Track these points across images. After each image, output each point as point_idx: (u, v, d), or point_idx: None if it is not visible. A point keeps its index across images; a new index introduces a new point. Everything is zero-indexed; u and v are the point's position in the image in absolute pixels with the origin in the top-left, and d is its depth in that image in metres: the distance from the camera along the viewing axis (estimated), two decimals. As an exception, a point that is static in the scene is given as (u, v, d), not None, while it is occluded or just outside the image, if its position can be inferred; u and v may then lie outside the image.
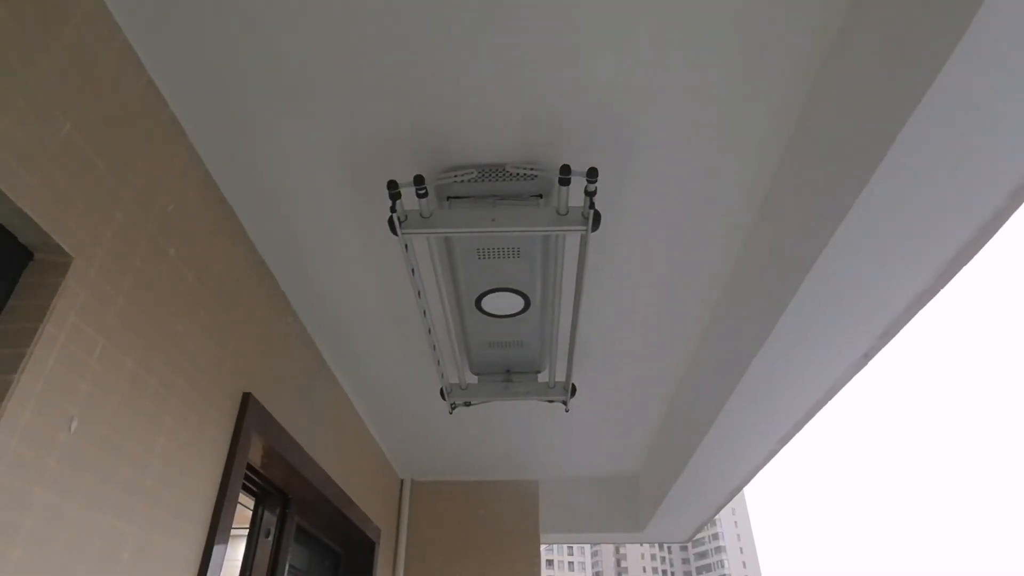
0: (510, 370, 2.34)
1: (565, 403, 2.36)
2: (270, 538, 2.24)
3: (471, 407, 2.52)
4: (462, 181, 1.55)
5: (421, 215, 1.51)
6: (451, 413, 2.41)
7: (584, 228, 1.49)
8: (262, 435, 1.81)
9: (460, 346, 2.19)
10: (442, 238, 1.75)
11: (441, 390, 2.28)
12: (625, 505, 3.67)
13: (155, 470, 1.33)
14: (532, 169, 1.50)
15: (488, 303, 1.95)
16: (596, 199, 1.65)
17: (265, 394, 1.85)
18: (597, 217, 1.50)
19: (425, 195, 1.44)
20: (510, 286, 1.87)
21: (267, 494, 2.28)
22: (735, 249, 1.86)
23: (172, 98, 1.38)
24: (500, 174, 1.55)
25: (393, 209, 1.44)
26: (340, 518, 2.62)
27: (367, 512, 2.89)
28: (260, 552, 2.20)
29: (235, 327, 1.70)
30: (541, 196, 1.57)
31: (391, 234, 1.66)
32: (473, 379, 2.39)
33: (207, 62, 1.31)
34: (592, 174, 1.39)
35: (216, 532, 1.53)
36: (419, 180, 1.42)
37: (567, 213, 1.50)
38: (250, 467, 2.06)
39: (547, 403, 2.81)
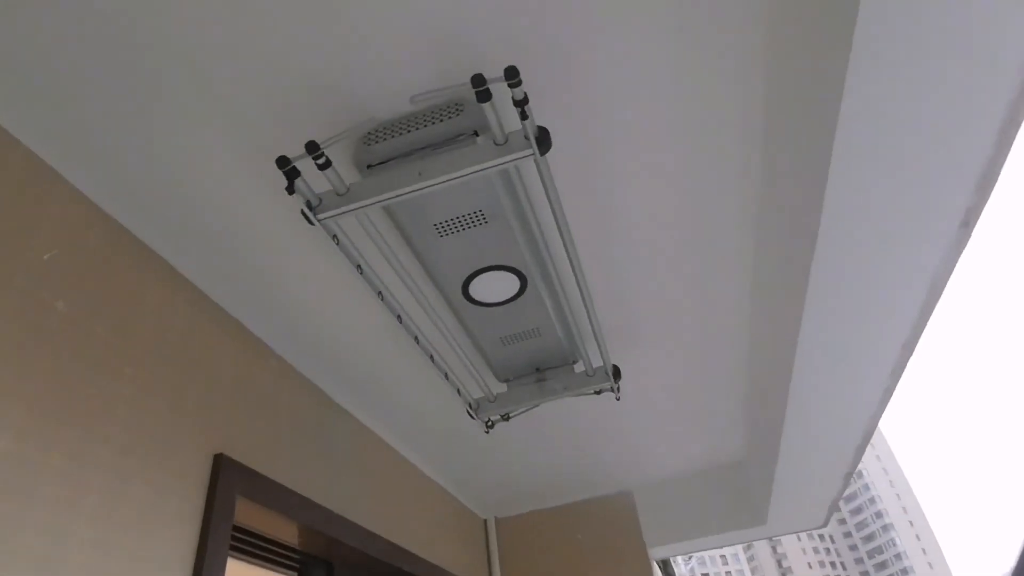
0: (539, 367, 2.00)
1: (614, 390, 1.99)
2: (320, 614, 1.97)
3: (511, 420, 2.19)
4: (379, 140, 1.27)
5: (337, 193, 1.23)
6: (488, 431, 2.08)
7: (529, 151, 1.16)
8: (254, 499, 1.56)
9: (468, 351, 1.88)
10: (389, 223, 1.47)
11: (468, 408, 1.97)
12: (737, 498, 3.18)
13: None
14: (440, 92, 1.19)
15: (478, 291, 1.64)
16: (564, 118, 1.33)
17: (249, 452, 1.60)
18: (544, 135, 1.17)
19: (326, 165, 1.17)
20: (491, 263, 1.56)
21: (306, 565, 2.02)
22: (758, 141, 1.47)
23: (18, 130, 1.18)
24: (416, 121, 1.26)
25: (290, 190, 1.17)
26: (401, 575, 2.33)
27: (441, 562, 2.58)
28: (310, 632, 1.94)
29: (188, 381, 1.47)
30: (477, 133, 1.26)
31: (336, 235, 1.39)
32: (502, 387, 2.06)
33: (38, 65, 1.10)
34: (511, 75, 1.06)
35: None
36: (312, 147, 1.15)
37: (505, 141, 1.18)
38: (263, 537, 1.81)
39: (606, 398, 2.43)
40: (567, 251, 1.45)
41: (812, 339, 1.76)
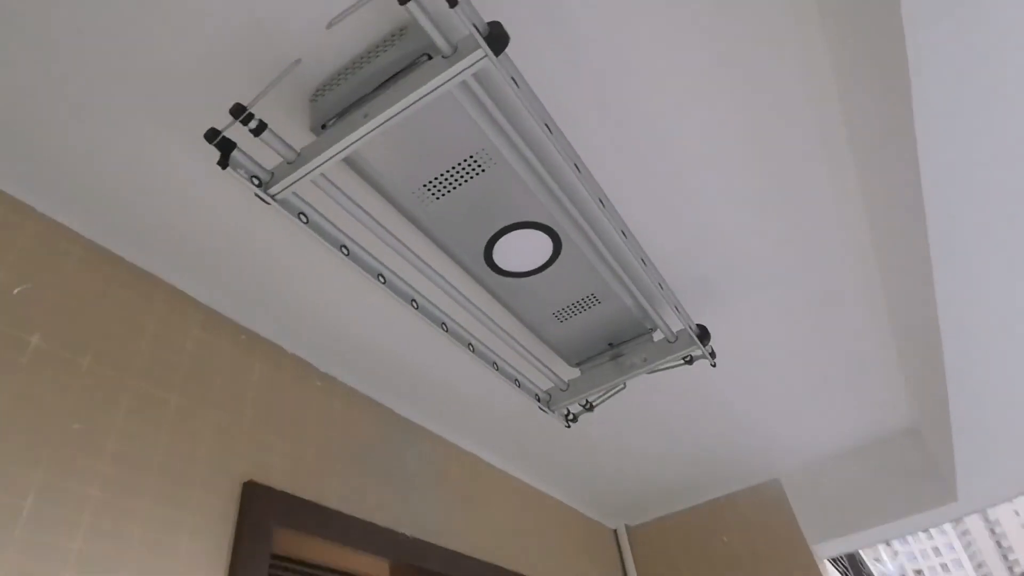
0: (612, 342, 1.70)
1: (706, 355, 1.64)
2: (417, 650, 1.78)
3: (601, 410, 1.89)
4: (326, 93, 1.08)
5: (287, 162, 1.05)
6: (569, 425, 1.80)
7: (481, 54, 0.91)
8: (299, 527, 1.40)
9: (519, 334, 1.63)
10: (378, 198, 1.27)
11: (537, 401, 1.71)
12: (914, 473, 2.60)
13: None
14: (355, 7, 0.96)
15: (505, 259, 1.40)
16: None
17: (288, 478, 1.46)
18: (498, 31, 0.92)
19: (260, 129, 0.99)
20: (508, 222, 1.31)
21: (400, 596, 1.85)
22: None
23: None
24: (360, 62, 1.06)
25: (223, 163, 1.00)
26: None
27: (561, 582, 2.32)
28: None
29: (202, 405, 1.35)
30: (430, 57, 1.03)
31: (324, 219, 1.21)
32: (574, 372, 1.78)
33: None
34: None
35: None
36: (238, 110, 0.98)
37: (455, 50, 0.94)
38: (327, 568, 1.65)
39: (715, 371, 2.07)
40: (584, 186, 1.17)
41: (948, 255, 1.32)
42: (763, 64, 1.19)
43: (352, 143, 1.00)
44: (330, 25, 0.94)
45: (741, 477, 2.81)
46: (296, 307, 1.55)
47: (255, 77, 1.09)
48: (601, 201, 1.20)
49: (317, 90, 1.11)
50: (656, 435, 2.39)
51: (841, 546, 2.71)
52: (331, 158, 1.02)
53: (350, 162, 1.18)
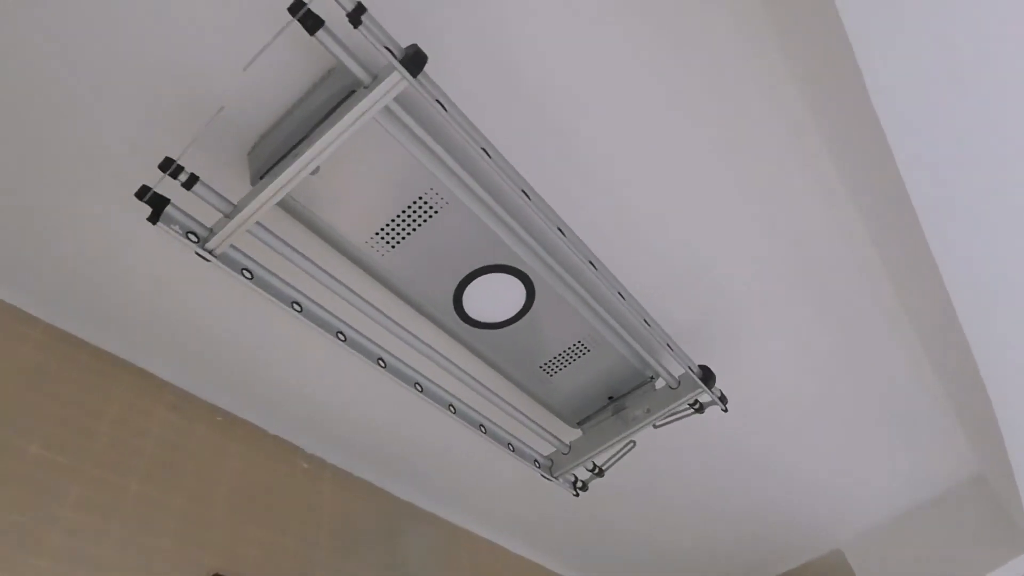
0: (612, 395, 1.57)
1: (717, 400, 1.50)
2: None
3: (605, 476, 1.71)
4: (262, 143, 1.06)
5: (225, 216, 1.02)
6: (577, 494, 1.64)
7: (398, 77, 0.88)
8: (275, 628, 1.26)
9: (506, 392, 1.51)
10: (340, 258, 1.21)
11: (536, 467, 1.57)
12: (987, 522, 2.28)
13: None
14: (268, 46, 0.93)
15: (477, 310, 1.32)
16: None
17: (269, 571, 1.33)
18: (414, 51, 0.89)
19: (191, 182, 0.97)
20: (475, 266, 1.24)
21: None
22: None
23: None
24: (293, 108, 1.04)
25: (154, 219, 0.97)
26: None
27: None
28: None
29: (167, 492, 1.26)
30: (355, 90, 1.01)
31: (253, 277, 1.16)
32: (577, 433, 1.64)
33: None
34: (320, -25, 0.82)
35: None
36: (167, 164, 0.96)
37: (374, 77, 0.91)
38: None
39: (741, 426, 1.89)
40: (539, 217, 1.10)
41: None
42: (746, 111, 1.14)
43: (283, 185, 0.97)
44: (246, 67, 0.93)
45: (797, 551, 2.52)
46: (278, 385, 1.48)
47: (189, 134, 1.08)
48: (560, 230, 1.13)
49: (255, 143, 1.10)
50: (694, 509, 2.17)
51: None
52: (264, 203, 0.98)
53: (299, 215, 1.15)
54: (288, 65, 1.02)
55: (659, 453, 1.92)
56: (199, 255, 1.02)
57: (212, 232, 1.02)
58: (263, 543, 1.36)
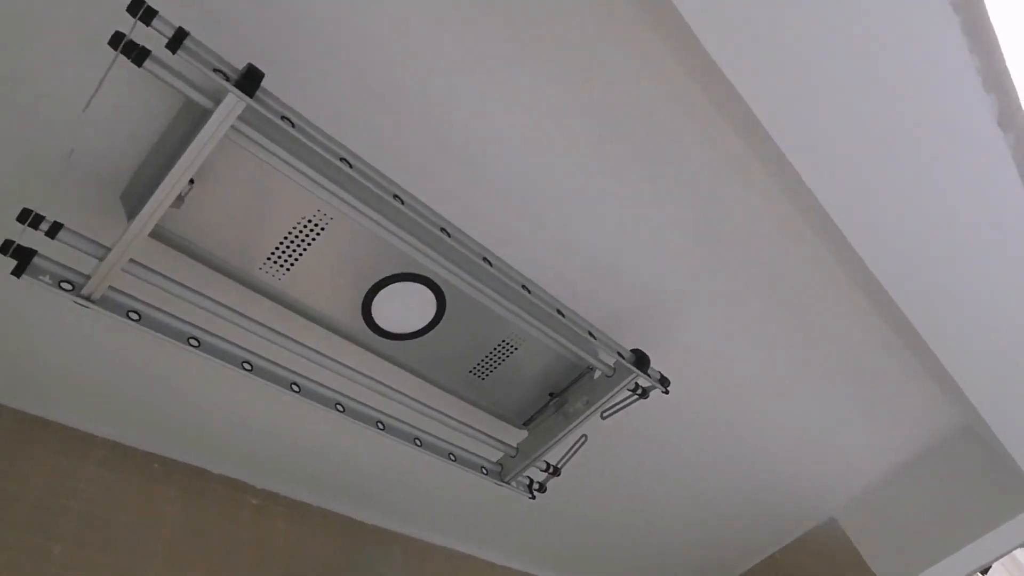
0: (552, 391, 1.55)
1: (657, 383, 1.47)
2: None
3: (562, 475, 1.67)
4: (134, 185, 1.06)
5: (98, 259, 1.00)
6: (534, 497, 1.61)
7: (234, 99, 0.86)
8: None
9: (439, 401, 1.49)
10: (239, 288, 1.20)
11: (483, 473, 1.54)
12: (984, 477, 2.23)
13: None
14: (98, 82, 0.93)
15: (389, 320, 1.30)
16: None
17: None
18: (249, 70, 0.88)
19: (55, 229, 0.96)
20: (376, 278, 1.22)
21: None
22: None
23: None
24: (157, 145, 1.04)
25: (19, 272, 0.96)
26: None
27: None
28: None
29: (97, 551, 1.24)
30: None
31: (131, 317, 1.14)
32: (522, 434, 1.61)
33: None
34: (134, 7, 0.81)
35: None
36: (24, 215, 0.95)
37: (217, 101, 0.90)
38: None
39: (702, 407, 1.86)
40: (421, 218, 1.08)
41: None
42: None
43: (148, 217, 0.96)
44: (85, 109, 0.92)
45: (790, 525, 2.48)
46: (215, 422, 1.46)
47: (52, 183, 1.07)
48: (445, 230, 1.12)
49: (127, 185, 1.09)
50: (677, 498, 2.14)
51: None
52: (134, 239, 0.97)
53: (186, 249, 1.13)
54: (146, 101, 1.01)
55: (633, 445, 1.89)
56: (77, 303, 1.01)
57: (88, 277, 1.01)
58: (209, 586, 1.34)
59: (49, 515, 1.22)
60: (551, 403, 1.55)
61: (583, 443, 1.60)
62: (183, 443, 1.48)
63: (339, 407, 1.29)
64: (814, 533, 2.48)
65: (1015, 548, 2.39)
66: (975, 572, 2.48)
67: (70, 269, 1.01)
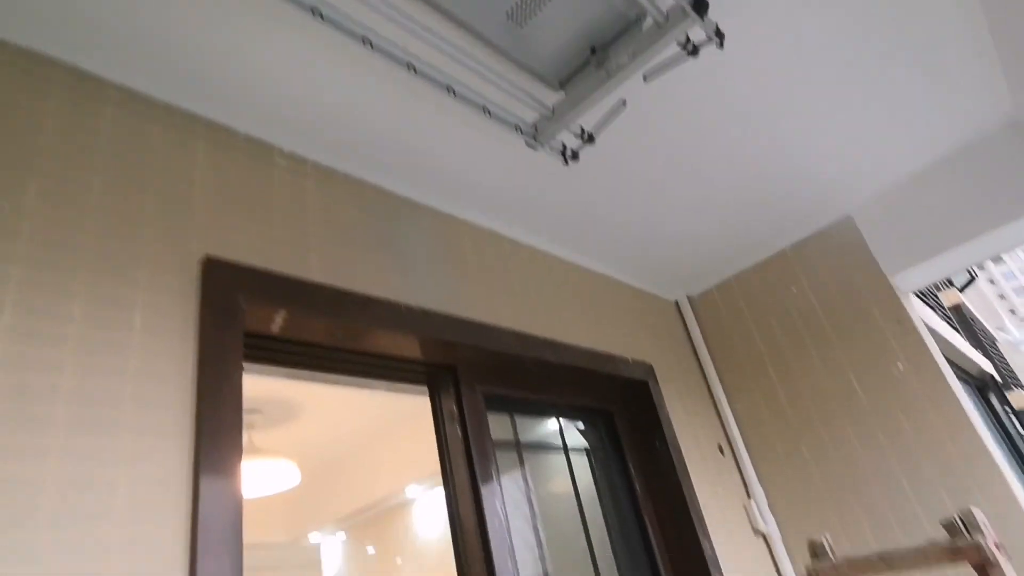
0: (595, 46, 1.41)
1: (713, 36, 1.34)
2: (456, 423, 1.76)
3: (597, 142, 1.61)
4: None
5: None
6: (567, 163, 1.58)
7: None
8: (279, 304, 1.32)
9: (470, 47, 1.36)
10: None
11: (519, 133, 1.49)
12: (1019, 169, 2.20)
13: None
14: None
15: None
16: None
17: (261, 254, 1.36)
18: None
19: None
20: None
21: (433, 376, 1.80)
22: None
23: None
24: None
25: None
26: (564, 372, 2.02)
27: (616, 351, 2.22)
28: (451, 441, 1.74)
29: (137, 188, 1.23)
30: None
31: None
32: (559, 95, 1.52)
33: None
34: None
35: (201, 456, 1.07)
36: None
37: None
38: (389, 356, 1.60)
39: (725, 78, 1.73)
40: None
41: None
42: None
43: None
44: None
45: (806, 220, 2.52)
46: (241, 77, 1.36)
47: None
48: None
49: None
50: (692, 182, 2.12)
51: (925, 273, 2.41)
52: None
53: None
54: None
55: (653, 121, 1.80)
56: None
57: None
58: (251, 232, 1.37)
59: (76, 149, 1.18)
60: (592, 59, 1.43)
61: (622, 110, 1.52)
62: (205, 98, 1.40)
63: (367, 43, 1.17)
64: (828, 230, 2.54)
65: (1011, 248, 2.46)
66: (965, 268, 2.59)
67: None
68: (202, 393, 1.13)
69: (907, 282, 2.43)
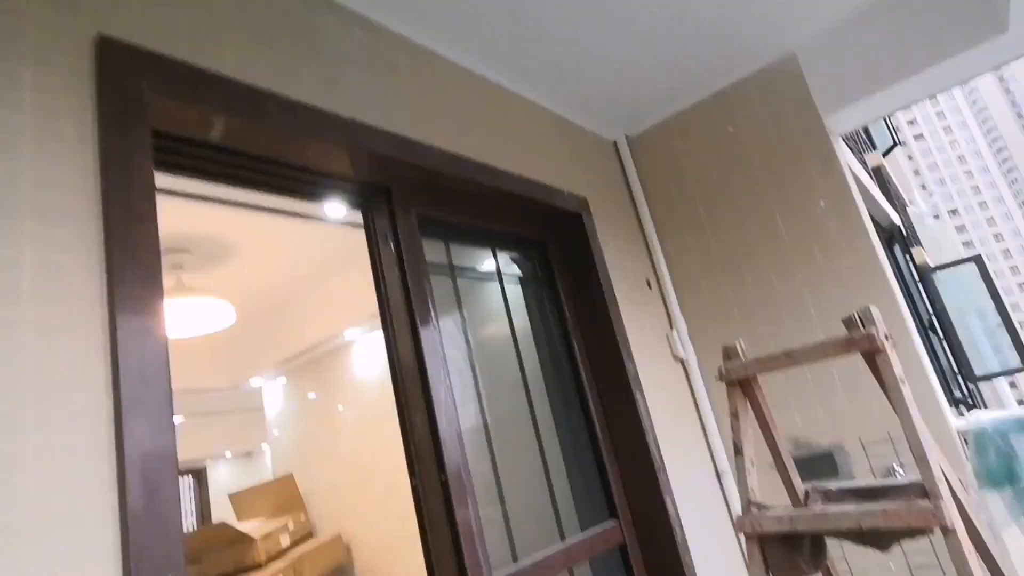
0: None
1: None
2: (390, 243, 1.74)
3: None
4: None
5: None
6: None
7: None
8: (187, 99, 1.21)
9: None
10: None
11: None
12: (951, 8, 2.20)
13: None
14: None
15: None
16: None
17: (166, 39, 1.22)
18: None
19: None
20: None
21: (367, 198, 1.75)
22: None
23: None
24: None
25: None
26: (498, 198, 2.00)
27: (552, 183, 2.21)
28: (386, 263, 1.72)
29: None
30: None
31: None
32: None
33: None
34: None
35: (116, 291, 0.99)
36: None
37: None
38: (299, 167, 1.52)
39: None
40: None
41: None
42: None
43: None
44: None
45: (749, 57, 2.48)
46: None
47: None
48: None
49: None
50: (641, 4, 2.02)
51: (855, 116, 2.46)
52: None
53: None
54: None
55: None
56: None
57: None
58: (149, 13, 1.23)
59: None
60: None
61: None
62: None
63: None
64: (770, 68, 2.51)
65: (969, 78, 2.48)
66: (890, 112, 2.65)
67: None
68: (108, 199, 1.03)
69: (840, 124, 2.47)
